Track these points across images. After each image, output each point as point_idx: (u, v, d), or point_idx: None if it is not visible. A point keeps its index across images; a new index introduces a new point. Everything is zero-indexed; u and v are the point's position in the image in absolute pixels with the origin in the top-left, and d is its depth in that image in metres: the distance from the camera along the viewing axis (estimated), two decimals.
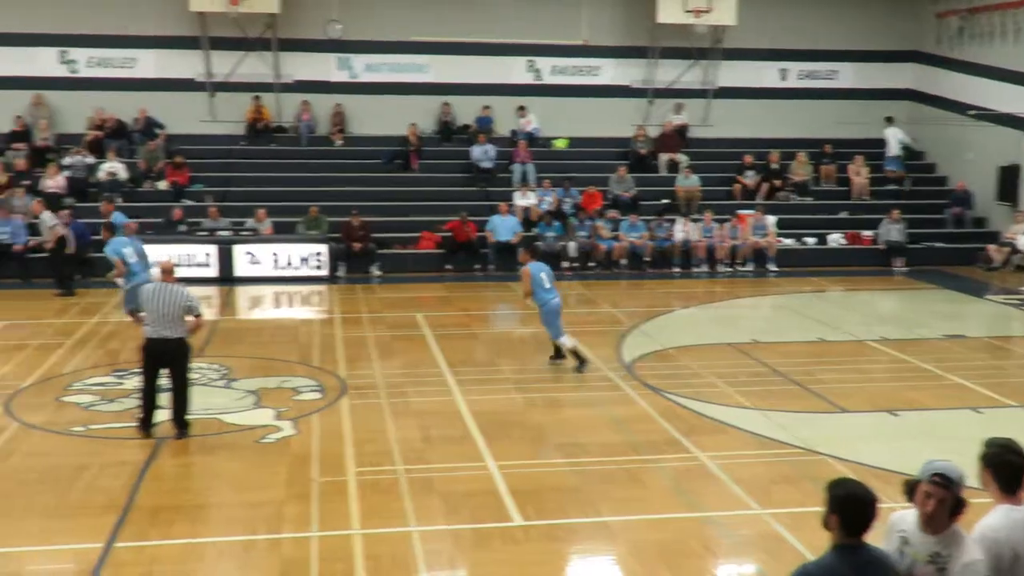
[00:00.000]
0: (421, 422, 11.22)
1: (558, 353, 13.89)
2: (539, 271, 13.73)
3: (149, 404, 10.59)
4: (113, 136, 23.61)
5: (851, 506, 4.39)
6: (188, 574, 7.62)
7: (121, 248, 15.41)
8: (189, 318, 10.55)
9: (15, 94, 23.52)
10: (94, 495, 9.05)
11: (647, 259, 22.38)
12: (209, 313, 18.04)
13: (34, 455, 10.11)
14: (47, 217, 19.67)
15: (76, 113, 24.01)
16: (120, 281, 15.58)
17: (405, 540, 8.13)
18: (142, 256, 15.73)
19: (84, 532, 8.22)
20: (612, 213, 22.94)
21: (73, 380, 12.83)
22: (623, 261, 22.33)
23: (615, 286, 20.97)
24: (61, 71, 24.24)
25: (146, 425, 10.60)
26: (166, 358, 10.49)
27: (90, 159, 22.74)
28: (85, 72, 24.33)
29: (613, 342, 15.24)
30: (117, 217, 16.55)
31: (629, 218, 22.64)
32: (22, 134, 23.15)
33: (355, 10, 24.86)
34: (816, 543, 6.54)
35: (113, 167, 22.48)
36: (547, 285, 13.65)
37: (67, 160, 22.58)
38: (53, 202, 21.19)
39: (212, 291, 19.39)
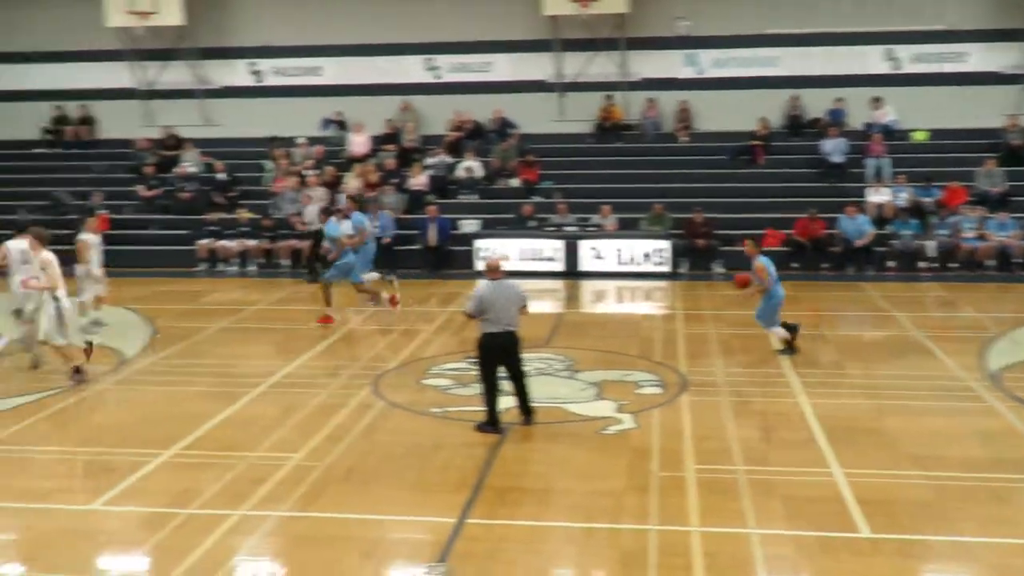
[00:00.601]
0: (763, 423, 10.97)
1: (790, 346, 13.92)
2: (769, 263, 13.97)
3: (494, 398, 10.82)
4: (471, 137, 25.04)
5: None
6: (533, 555, 7.92)
7: (334, 233, 16.70)
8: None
9: (386, 99, 25.55)
10: (449, 473, 9.64)
11: (1018, 260, 20.51)
12: (554, 306, 18.68)
13: (397, 432, 10.93)
14: (311, 210, 21.10)
15: (438, 116, 25.69)
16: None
17: (744, 541, 7.98)
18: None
19: (439, 507, 8.78)
20: (978, 210, 21.22)
21: (432, 364, 13.74)
22: (990, 262, 20.61)
23: (980, 289, 19.39)
24: (426, 77, 26.03)
25: (494, 422, 10.77)
26: (507, 351, 10.82)
27: (449, 159, 24.24)
28: (447, 77, 25.98)
29: (977, 349, 14.09)
30: (356, 218, 18.05)
31: (998, 216, 20.85)
32: (392, 136, 25.11)
33: (702, 6, 24.72)
34: None
35: (470, 166, 23.84)
36: (775, 276, 13.98)
37: (429, 160, 24.21)
38: (417, 199, 22.86)
39: (558, 285, 20.06)
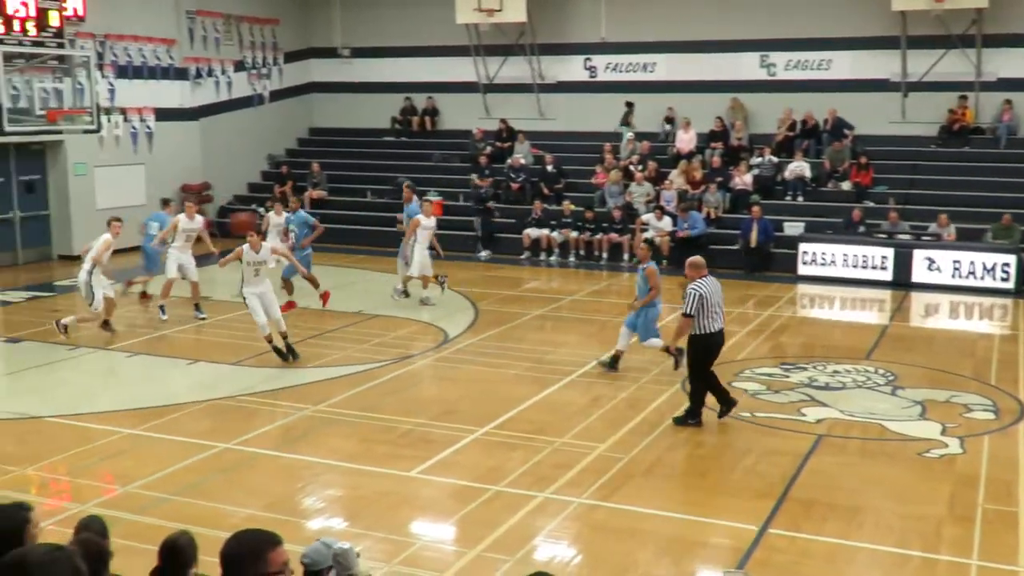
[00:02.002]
0: None
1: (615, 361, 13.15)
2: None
3: (705, 395, 10.88)
4: (802, 136, 24.22)
5: None
6: (836, 574, 7.57)
7: (300, 223, 17.38)
8: None
9: (717, 97, 25.24)
10: (753, 479, 9.41)
11: None
12: (880, 317, 17.74)
13: (702, 432, 10.79)
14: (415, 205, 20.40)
15: (769, 114, 25.05)
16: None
17: None
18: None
19: (740, 512, 8.58)
20: None
21: (743, 367, 13.44)
22: None
23: None
24: (760, 74, 25.44)
25: (697, 415, 10.85)
26: (719, 349, 10.93)
27: (775, 159, 23.58)
28: (782, 75, 25.25)
29: None
30: (412, 208, 18.10)
31: None
32: (719, 134, 24.80)
33: None
34: None
35: (799, 166, 23.07)
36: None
37: (755, 159, 23.68)
38: (740, 199, 22.44)
39: (884, 295, 19.00)
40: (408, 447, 10.29)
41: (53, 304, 17.47)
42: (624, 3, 26.21)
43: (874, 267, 19.91)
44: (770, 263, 20.98)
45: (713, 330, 10.72)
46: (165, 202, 18.24)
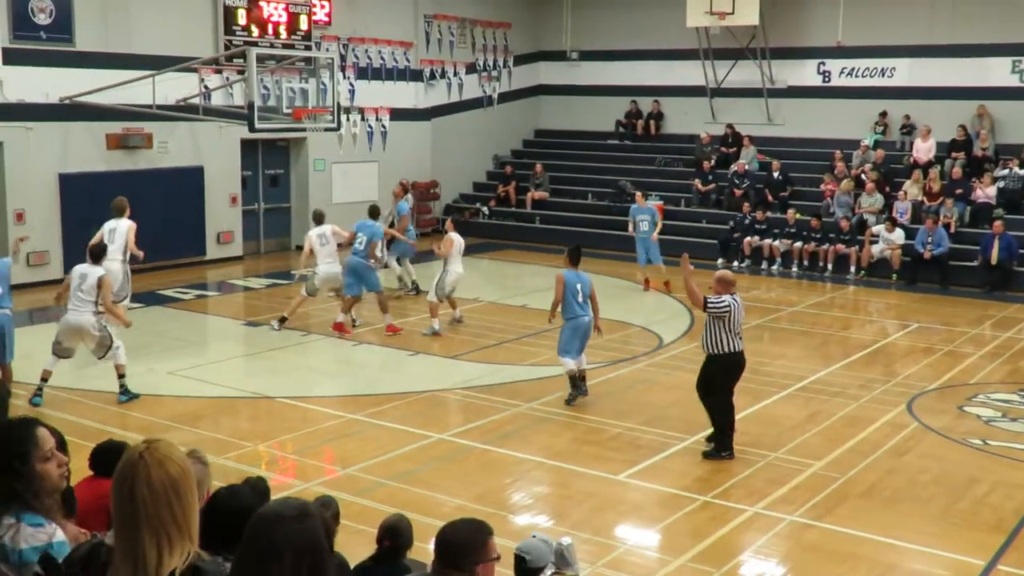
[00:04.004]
0: None
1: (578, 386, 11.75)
2: (576, 280, 11.64)
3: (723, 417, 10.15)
4: None
5: None
6: None
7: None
8: None
9: (961, 104, 23.81)
10: (982, 510, 8.85)
11: None
12: None
13: (928, 457, 10.25)
14: (404, 204, 18.75)
15: (1019, 123, 23.43)
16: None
17: None
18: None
19: (966, 545, 8.10)
20: None
21: (977, 391, 12.65)
22: None
23: None
24: (1011, 81, 23.82)
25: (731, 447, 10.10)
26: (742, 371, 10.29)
27: (1023, 171, 22.02)
28: None
29: None
30: (402, 206, 17.98)
31: None
32: (962, 143, 23.41)
33: None
34: None
35: None
36: (580, 299, 11.61)
37: (1000, 171, 22.21)
38: (982, 213, 21.11)
39: None
40: (617, 450, 10.29)
41: (289, 292, 18.51)
42: (863, 5, 25.17)
43: None
44: (1012, 282, 19.63)
45: (736, 349, 10.00)
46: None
